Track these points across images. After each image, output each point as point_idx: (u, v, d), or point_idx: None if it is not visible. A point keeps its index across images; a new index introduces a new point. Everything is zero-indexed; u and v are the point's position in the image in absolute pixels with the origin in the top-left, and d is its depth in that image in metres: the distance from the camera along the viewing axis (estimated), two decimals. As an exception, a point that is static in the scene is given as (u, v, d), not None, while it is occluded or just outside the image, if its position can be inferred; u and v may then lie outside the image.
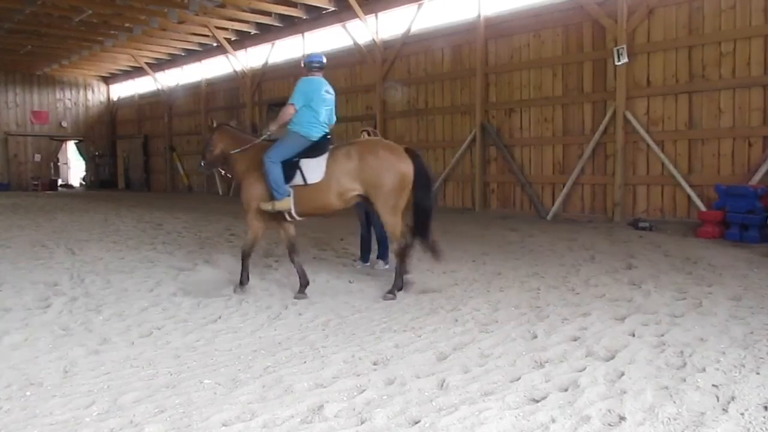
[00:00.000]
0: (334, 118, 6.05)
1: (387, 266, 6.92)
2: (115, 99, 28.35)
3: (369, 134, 7.04)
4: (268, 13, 16.77)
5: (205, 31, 18.16)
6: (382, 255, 7.04)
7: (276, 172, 5.59)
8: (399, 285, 5.66)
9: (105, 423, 2.93)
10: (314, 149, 5.69)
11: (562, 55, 11.50)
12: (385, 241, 7.05)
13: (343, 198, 5.66)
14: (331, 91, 5.93)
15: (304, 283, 5.80)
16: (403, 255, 5.66)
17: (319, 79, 5.88)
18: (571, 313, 4.84)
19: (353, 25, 15.39)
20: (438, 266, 6.63)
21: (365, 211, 7.02)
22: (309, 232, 9.98)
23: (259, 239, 6.11)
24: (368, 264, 7.12)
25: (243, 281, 5.91)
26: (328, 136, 5.83)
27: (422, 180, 5.60)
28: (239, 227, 10.67)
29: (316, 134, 5.70)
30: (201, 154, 6.60)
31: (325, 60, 6.02)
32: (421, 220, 5.61)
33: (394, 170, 5.49)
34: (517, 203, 12.54)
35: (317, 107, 5.70)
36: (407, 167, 5.52)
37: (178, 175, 24.07)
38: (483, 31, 12.72)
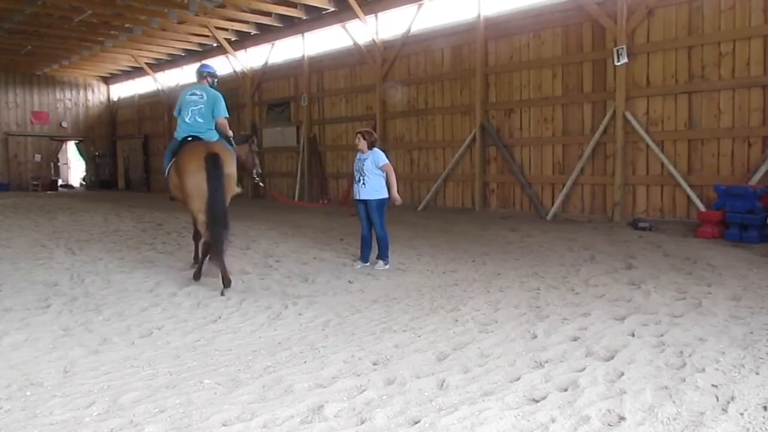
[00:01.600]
0: (222, 114, 6.46)
1: (387, 266, 6.94)
2: (115, 99, 28.32)
3: (363, 137, 7.08)
4: (268, 14, 16.76)
5: (205, 31, 18.16)
6: (382, 255, 7.05)
7: (165, 168, 6.57)
8: (198, 275, 6.14)
9: (105, 423, 2.93)
10: (180, 148, 6.31)
11: (562, 55, 11.49)
12: (386, 242, 7.07)
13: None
14: (199, 92, 6.48)
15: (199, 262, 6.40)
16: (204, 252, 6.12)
17: (192, 86, 6.66)
18: (571, 313, 4.85)
19: (353, 25, 15.39)
20: (438, 266, 6.63)
21: (367, 212, 7.05)
22: (310, 233, 10.00)
23: (195, 221, 6.44)
24: (368, 264, 7.13)
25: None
26: (189, 138, 6.35)
27: (208, 187, 5.81)
28: (239, 227, 10.67)
29: (181, 135, 6.44)
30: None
31: (211, 69, 6.84)
32: (210, 226, 5.83)
33: (183, 175, 5.94)
34: (517, 203, 12.54)
35: (183, 111, 6.47)
36: (192, 174, 5.86)
37: (178, 176, 24.06)
38: (483, 31, 12.72)
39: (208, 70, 6.80)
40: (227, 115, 6.55)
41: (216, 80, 6.82)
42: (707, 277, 6.04)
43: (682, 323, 4.43)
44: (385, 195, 7.06)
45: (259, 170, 7.66)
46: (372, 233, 7.16)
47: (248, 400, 3.20)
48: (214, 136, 6.46)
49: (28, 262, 7.39)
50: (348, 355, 3.90)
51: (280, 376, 3.55)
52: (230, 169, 6.15)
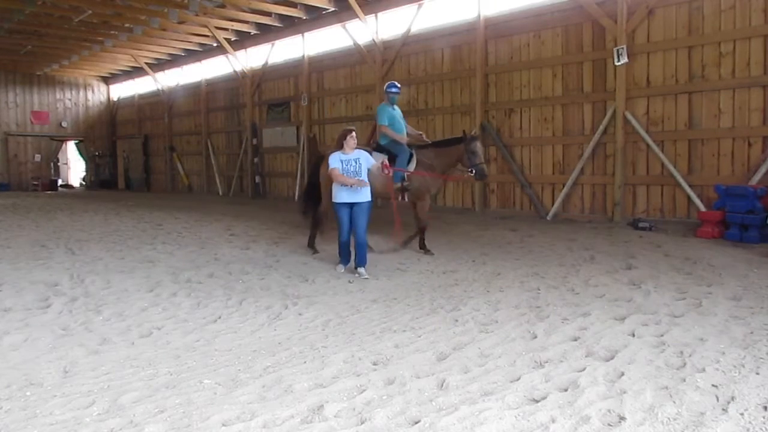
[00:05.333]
0: (378, 122, 8.27)
1: (367, 276, 6.60)
2: (115, 99, 28.32)
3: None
4: (268, 13, 16.76)
5: (205, 31, 18.14)
6: (361, 262, 6.76)
7: None
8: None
9: (105, 423, 2.93)
10: None
11: (562, 55, 11.49)
12: (365, 248, 6.82)
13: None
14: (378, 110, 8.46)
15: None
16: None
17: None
18: (571, 313, 4.85)
19: (353, 25, 15.38)
20: (438, 266, 6.61)
21: (351, 216, 6.81)
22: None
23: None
24: (350, 265, 6.92)
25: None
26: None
27: None
28: (239, 227, 10.67)
29: None
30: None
31: (388, 89, 8.43)
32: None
33: None
34: (517, 203, 12.54)
35: None
36: None
37: (178, 175, 24.07)
38: (483, 31, 12.72)
39: (386, 90, 8.45)
40: (382, 123, 8.14)
41: (393, 96, 8.31)
42: (707, 277, 6.04)
43: (683, 323, 4.43)
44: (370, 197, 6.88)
45: (476, 163, 7.89)
46: (350, 239, 6.85)
47: (248, 400, 3.20)
48: (384, 140, 8.23)
49: (28, 262, 7.38)
50: (348, 355, 3.90)
51: (280, 376, 3.55)
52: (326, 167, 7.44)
